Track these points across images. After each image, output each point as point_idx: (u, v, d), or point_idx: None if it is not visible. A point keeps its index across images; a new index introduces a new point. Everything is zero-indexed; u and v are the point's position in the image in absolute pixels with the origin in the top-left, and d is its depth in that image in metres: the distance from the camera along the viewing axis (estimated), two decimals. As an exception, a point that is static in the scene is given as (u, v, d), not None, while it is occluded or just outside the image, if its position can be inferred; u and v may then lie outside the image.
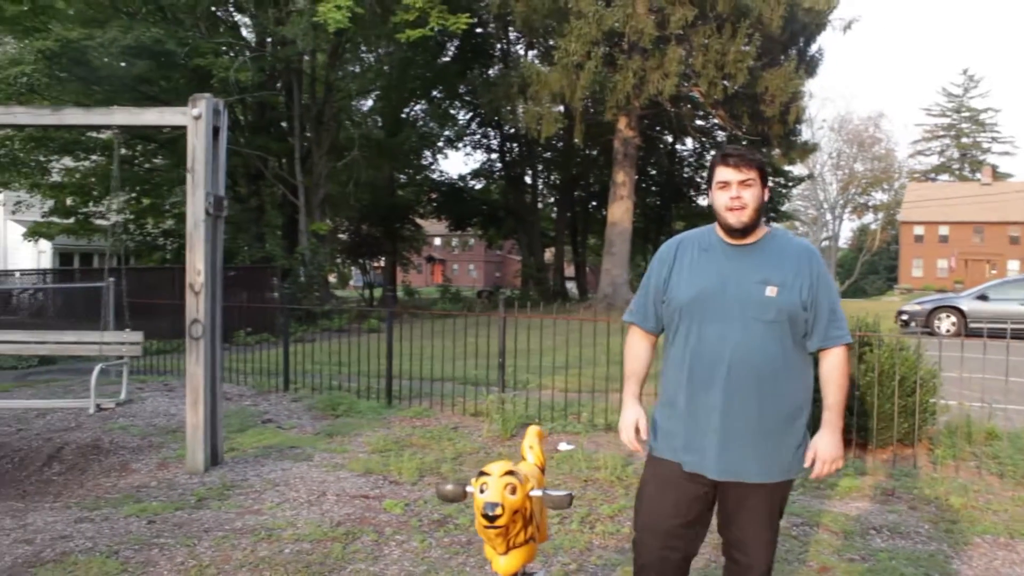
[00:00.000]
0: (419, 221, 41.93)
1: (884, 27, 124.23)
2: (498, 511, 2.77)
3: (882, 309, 22.27)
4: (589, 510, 5.27)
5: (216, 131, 6.39)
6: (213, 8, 24.06)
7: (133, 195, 27.77)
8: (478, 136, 39.58)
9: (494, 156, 40.46)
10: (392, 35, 22.74)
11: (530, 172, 39.27)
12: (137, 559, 4.43)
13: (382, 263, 42.58)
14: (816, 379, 3.01)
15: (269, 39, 24.20)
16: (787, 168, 38.22)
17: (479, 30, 30.56)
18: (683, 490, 2.92)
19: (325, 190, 26.22)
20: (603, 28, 22.75)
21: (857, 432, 6.76)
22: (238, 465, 6.47)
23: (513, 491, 2.84)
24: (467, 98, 35.38)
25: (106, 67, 20.71)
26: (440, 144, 37.74)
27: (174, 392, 9.70)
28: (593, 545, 4.69)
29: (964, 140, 77.97)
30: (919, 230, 62.37)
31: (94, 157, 25.85)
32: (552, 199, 43.00)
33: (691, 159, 39.52)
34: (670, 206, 40.48)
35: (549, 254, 43.77)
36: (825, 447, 2.91)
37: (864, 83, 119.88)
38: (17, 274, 26.24)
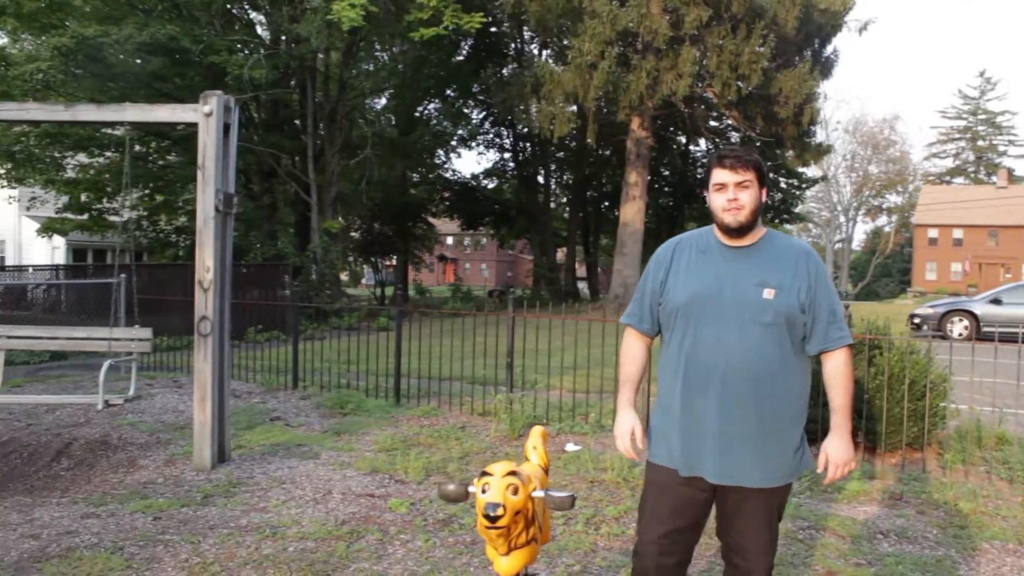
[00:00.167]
0: (431, 220, 41.93)
1: (900, 28, 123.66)
2: (499, 511, 2.76)
3: (894, 312, 22.19)
4: (595, 511, 5.25)
5: (227, 128, 6.40)
6: (228, 6, 24.15)
7: (146, 192, 27.92)
8: (491, 135, 39.60)
9: (507, 155, 40.48)
10: (406, 34, 22.77)
11: (543, 172, 39.23)
12: (142, 555, 4.44)
13: (394, 262, 42.63)
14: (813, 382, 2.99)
15: (283, 37, 24.27)
16: (801, 170, 38.05)
17: (493, 29, 30.55)
18: (680, 495, 2.90)
19: (337, 188, 26.27)
20: (617, 28, 22.69)
21: (866, 436, 6.74)
22: (245, 462, 6.48)
23: (515, 492, 2.83)
24: (481, 97, 35.38)
25: (121, 64, 20.80)
26: (453, 143, 37.76)
27: (183, 389, 9.73)
28: (598, 547, 4.67)
29: (980, 143, 77.54)
30: (933, 233, 62.04)
31: (108, 153, 25.97)
32: (564, 199, 42.97)
33: (704, 160, 39.38)
34: (682, 207, 40.38)
35: (561, 254, 43.75)
36: (837, 451, 2.88)
37: (879, 85, 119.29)
38: (30, 269, 26.35)
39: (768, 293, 2.79)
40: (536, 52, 33.87)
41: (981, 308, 18.27)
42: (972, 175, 77.07)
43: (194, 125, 6.37)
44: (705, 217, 31.57)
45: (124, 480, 6.07)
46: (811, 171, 43.98)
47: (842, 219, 74.43)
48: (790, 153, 29.82)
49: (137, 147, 25.93)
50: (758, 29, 22.40)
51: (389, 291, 37.41)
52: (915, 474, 6.26)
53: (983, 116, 76.85)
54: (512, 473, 2.86)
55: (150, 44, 20.26)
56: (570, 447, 6.95)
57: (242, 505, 5.36)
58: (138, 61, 21.68)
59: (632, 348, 3.12)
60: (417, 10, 20.67)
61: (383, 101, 33.25)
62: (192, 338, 6.38)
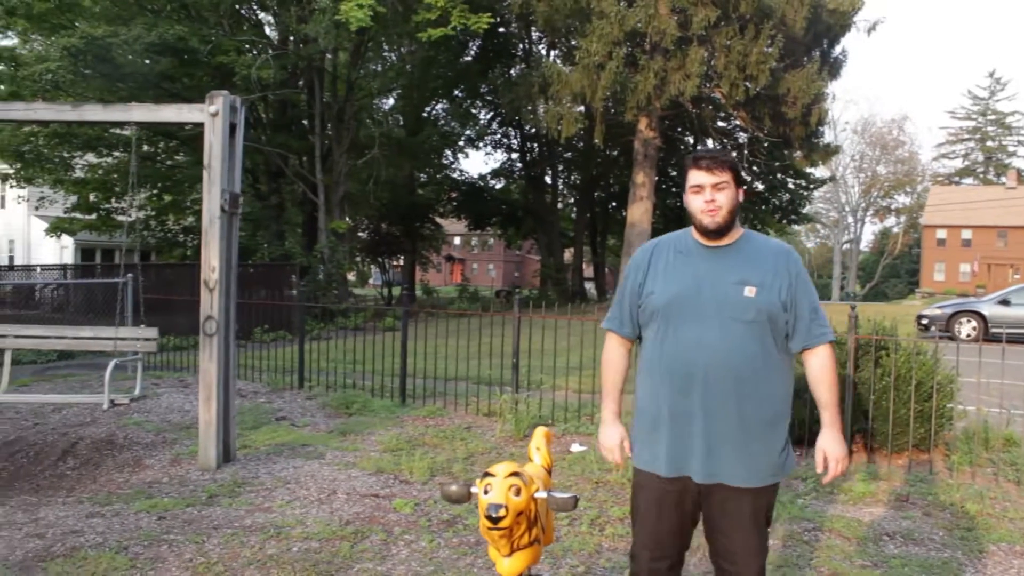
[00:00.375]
0: (439, 220, 41.96)
1: (909, 29, 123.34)
2: (502, 512, 2.75)
3: (902, 313, 22.11)
4: (599, 512, 5.24)
5: (233, 128, 6.41)
6: (236, 6, 24.19)
7: (155, 192, 28.00)
8: (499, 136, 39.58)
9: (514, 156, 40.45)
10: (414, 34, 22.79)
11: (550, 172, 39.19)
12: (146, 555, 4.45)
13: (401, 262, 42.66)
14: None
15: (292, 37, 24.31)
16: (809, 170, 37.94)
17: (501, 30, 30.51)
18: (666, 498, 2.89)
19: (345, 188, 26.29)
20: (625, 28, 22.66)
21: (873, 437, 6.71)
22: (250, 462, 6.48)
23: (517, 492, 2.82)
24: (488, 98, 35.38)
25: (130, 64, 20.88)
26: (461, 143, 37.77)
27: (189, 388, 9.75)
28: (602, 548, 4.66)
29: (989, 143, 77.26)
30: (942, 234, 61.82)
31: (116, 153, 26.09)
32: (572, 199, 42.94)
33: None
34: (689, 208, 40.27)
35: (568, 254, 43.69)
36: (832, 447, 2.86)
37: (888, 85, 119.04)
38: (39, 269, 26.45)
39: (749, 291, 2.78)
40: (544, 52, 33.84)
41: (989, 309, 18.20)
42: (981, 176, 76.80)
43: (200, 125, 6.38)
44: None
45: (129, 479, 6.08)
46: (819, 172, 43.94)
47: (850, 220, 74.22)
48: (798, 154, 29.73)
49: (145, 147, 26.04)
50: (766, 29, 22.34)
51: (396, 291, 37.44)
52: (922, 475, 6.24)
53: (992, 116, 76.58)
54: (515, 474, 2.85)
55: (159, 44, 20.36)
56: (575, 448, 6.94)
57: (247, 505, 5.36)
58: (147, 61, 21.78)
59: (613, 354, 3.12)
60: (425, 10, 20.69)
61: (391, 101, 33.30)
62: (198, 337, 6.38)
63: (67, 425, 7.66)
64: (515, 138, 39.17)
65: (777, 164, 34.73)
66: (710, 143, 35.33)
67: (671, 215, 40.52)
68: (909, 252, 73.88)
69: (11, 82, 21.21)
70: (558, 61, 29.67)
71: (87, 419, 7.92)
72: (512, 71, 33.40)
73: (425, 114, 34.05)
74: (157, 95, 21.53)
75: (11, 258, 38.44)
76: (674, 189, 40.78)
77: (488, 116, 37.77)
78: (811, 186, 41.33)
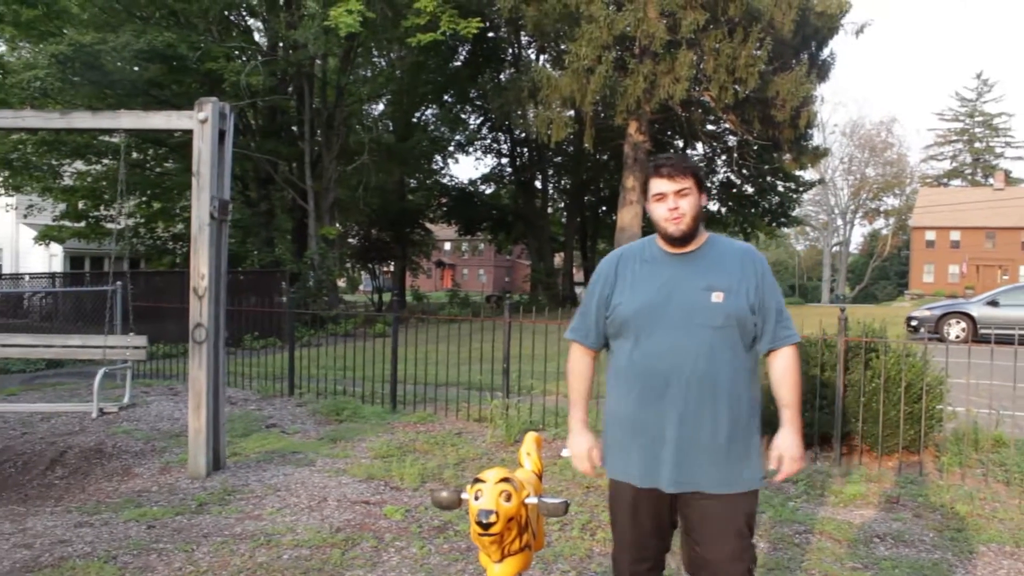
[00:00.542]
0: (429, 226, 41.94)
1: (897, 31, 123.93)
2: (492, 518, 2.75)
3: (891, 315, 22.19)
4: (590, 517, 5.23)
5: (222, 135, 6.39)
6: (225, 12, 24.16)
7: (144, 199, 27.92)
8: (489, 141, 39.66)
9: (504, 161, 40.54)
10: (403, 39, 22.82)
11: (540, 177, 39.25)
12: (135, 564, 4.42)
13: (392, 268, 42.62)
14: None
15: (281, 43, 24.28)
16: (798, 173, 38.06)
17: (490, 34, 30.56)
18: (641, 505, 2.87)
19: (335, 194, 26.28)
20: (614, 32, 22.73)
21: (863, 439, 6.73)
22: (240, 470, 6.46)
23: (508, 498, 2.82)
24: (478, 103, 35.44)
25: (119, 71, 20.83)
26: (451, 149, 37.83)
27: (179, 396, 9.72)
28: (594, 552, 4.65)
29: (977, 145, 77.65)
30: (931, 235, 62.06)
31: (105, 161, 26.01)
32: (562, 204, 42.98)
33: (702, 164, 39.40)
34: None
35: (559, 259, 43.73)
36: (789, 446, 2.85)
37: (876, 88, 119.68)
38: (27, 277, 26.35)
39: (716, 296, 2.77)
40: (533, 57, 33.92)
41: (978, 310, 18.27)
42: (969, 177, 77.16)
43: (190, 132, 6.36)
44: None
45: (118, 488, 6.05)
46: (808, 174, 44.04)
47: (839, 222, 74.48)
48: (787, 156, 29.84)
49: (135, 154, 25.98)
50: (755, 32, 22.44)
51: (387, 297, 37.41)
52: (912, 477, 6.25)
53: (980, 118, 76.99)
54: (505, 480, 2.85)
55: (147, 51, 20.31)
56: (565, 452, 6.92)
57: (237, 513, 5.34)
58: (135, 68, 21.73)
59: (579, 364, 3.10)
60: (414, 16, 20.71)
61: (380, 107, 33.34)
62: (188, 345, 6.37)
63: (56, 434, 7.62)
64: (505, 143, 39.24)
65: (766, 167, 34.84)
66: (700, 147, 35.46)
67: (661, 219, 40.56)
68: (898, 254, 74.19)
69: (-1, 89, 21.14)
70: (547, 65, 29.73)
71: (76, 428, 7.89)
72: (502, 76, 33.44)
73: (415, 119, 34.07)
74: (146, 102, 21.52)
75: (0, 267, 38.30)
76: (664, 193, 40.83)
77: (478, 121, 37.85)
78: (800, 189, 41.45)
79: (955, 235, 61.05)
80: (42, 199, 28.51)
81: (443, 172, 39.81)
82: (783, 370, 2.88)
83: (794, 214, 43.24)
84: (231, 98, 20.11)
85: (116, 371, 7.24)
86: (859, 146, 72.13)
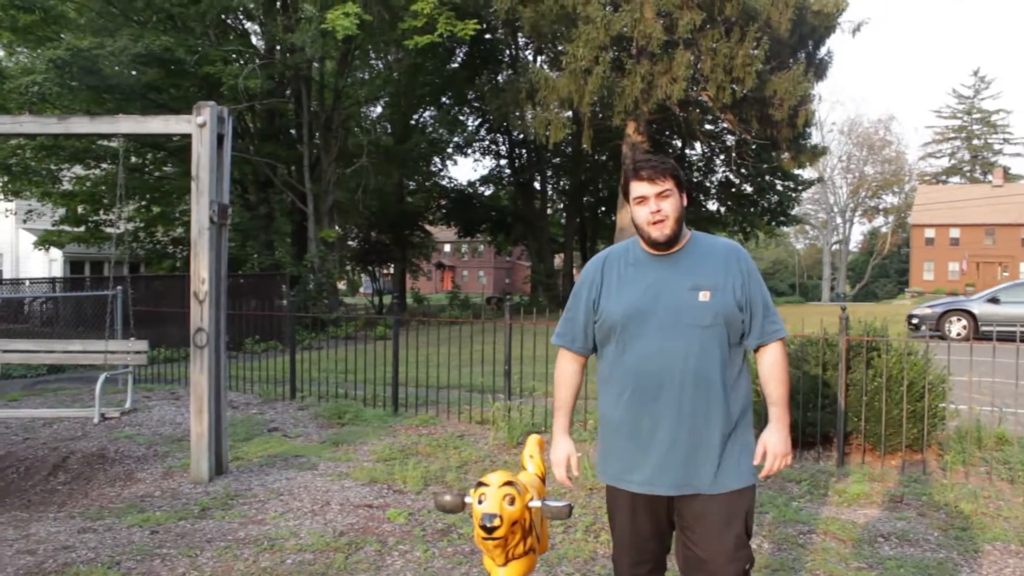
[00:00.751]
0: (428, 228, 41.91)
1: (894, 29, 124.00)
2: (496, 522, 2.74)
3: (892, 313, 22.18)
4: (594, 519, 5.22)
5: (220, 139, 6.39)
6: (223, 16, 24.16)
7: (143, 203, 27.90)
8: (487, 142, 39.64)
9: (503, 162, 40.53)
10: (401, 41, 22.84)
11: (539, 178, 39.26)
12: (139, 570, 4.41)
13: (391, 270, 42.59)
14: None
15: (278, 46, 24.31)
16: (796, 172, 38.04)
17: (487, 36, 30.56)
18: (639, 509, 2.85)
19: (334, 197, 26.28)
20: (611, 33, 22.73)
21: (865, 438, 6.72)
22: (243, 474, 6.45)
23: (511, 502, 2.81)
24: (476, 104, 35.43)
25: (116, 75, 20.83)
26: (449, 150, 37.80)
27: (180, 401, 9.71)
28: (597, 554, 4.65)
29: (975, 142, 77.69)
30: (930, 233, 62.11)
31: (104, 165, 26.01)
32: (561, 205, 42.99)
33: (700, 164, 39.42)
34: (679, 210, 40.32)
35: (559, 260, 43.72)
36: (775, 442, 2.83)
37: (874, 86, 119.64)
38: (27, 282, 26.33)
39: (704, 295, 2.76)
40: (531, 58, 33.92)
41: (979, 307, 18.26)
42: (968, 174, 77.20)
43: (188, 136, 6.36)
44: (699, 220, 31.52)
45: (121, 494, 6.04)
46: (807, 173, 44.00)
47: (839, 220, 74.46)
48: (785, 155, 29.84)
49: (134, 158, 25.97)
50: (752, 32, 22.44)
51: (387, 300, 37.40)
52: (915, 476, 6.24)
53: (978, 115, 77.02)
54: (508, 483, 2.84)
55: (145, 55, 20.30)
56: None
57: (240, 517, 5.33)
58: (133, 73, 21.72)
59: (566, 370, 3.08)
60: (411, 18, 20.73)
61: (378, 109, 33.33)
62: (189, 350, 6.36)
63: (58, 439, 7.61)
64: (503, 144, 39.24)
65: (765, 166, 34.82)
66: (699, 147, 35.49)
67: (660, 219, 40.54)
68: (898, 252, 74.20)
69: (-2, 95, 21.13)
70: (545, 67, 29.77)
71: (78, 433, 7.88)
72: (499, 77, 33.44)
73: (413, 122, 34.06)
74: (144, 106, 21.49)
75: (-1, 272, 38.28)
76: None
77: (476, 123, 37.85)
78: (799, 188, 41.44)
79: (955, 232, 61.11)
80: (41, 204, 28.49)
81: (442, 174, 39.85)
82: (771, 365, 2.87)
83: (793, 213, 43.25)
84: (229, 101, 20.13)
85: (117, 376, 7.23)
86: (857, 144, 72.18)
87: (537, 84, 24.62)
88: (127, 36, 20.61)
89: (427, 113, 35.19)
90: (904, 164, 75.12)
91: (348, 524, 5.19)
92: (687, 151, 38.84)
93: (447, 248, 75.47)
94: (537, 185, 39.35)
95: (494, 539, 2.78)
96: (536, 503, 2.91)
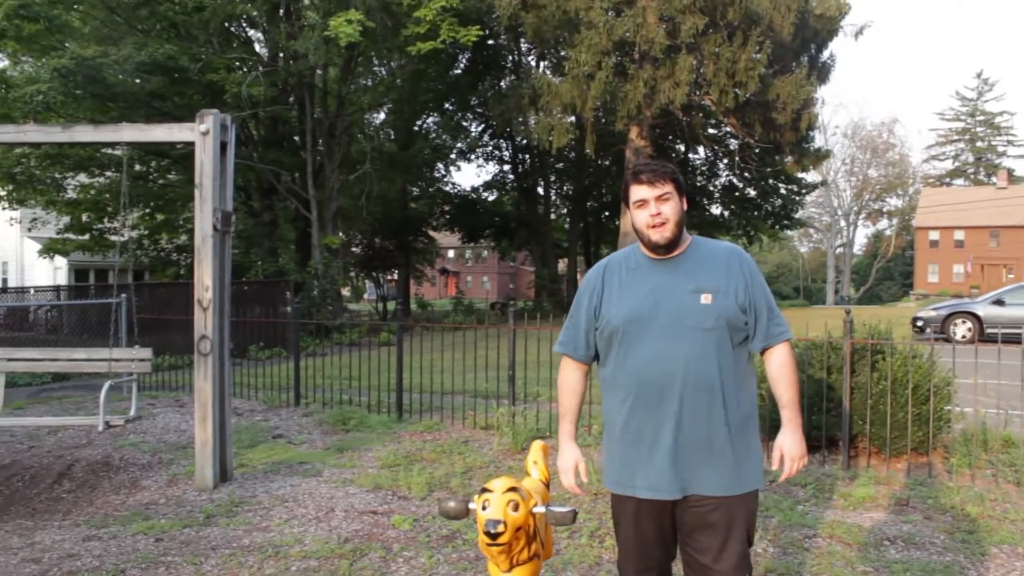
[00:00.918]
0: (432, 234, 41.96)
1: (896, 32, 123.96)
2: (500, 528, 2.74)
3: (897, 315, 22.14)
4: (599, 524, 5.21)
5: (224, 146, 6.40)
6: (226, 24, 24.20)
7: (147, 211, 27.95)
8: (490, 148, 39.67)
9: (506, 168, 40.56)
10: (404, 48, 22.86)
11: (542, 183, 39.26)
12: (144, 577, 4.42)
13: (395, 276, 42.63)
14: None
15: (281, 54, 24.33)
16: (800, 175, 38.02)
17: (490, 42, 30.60)
18: (643, 516, 2.84)
19: (338, 204, 26.29)
20: (613, 38, 22.73)
21: (871, 441, 6.71)
22: (247, 481, 6.45)
23: (516, 508, 2.81)
24: (479, 110, 35.45)
25: (120, 84, 20.87)
26: (453, 156, 37.85)
27: (185, 408, 9.72)
28: (603, 560, 4.63)
29: (979, 144, 77.53)
30: (934, 235, 61.99)
31: (108, 173, 26.04)
32: (565, 210, 43.00)
33: (704, 168, 39.43)
34: (682, 215, 40.32)
35: (562, 265, 43.72)
36: (791, 445, 2.83)
37: (877, 89, 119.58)
38: (32, 291, 26.38)
39: (705, 298, 2.75)
40: (533, 64, 33.93)
41: (984, 309, 18.24)
42: (972, 176, 77.04)
43: (192, 144, 6.37)
44: (702, 224, 31.46)
45: (126, 501, 6.05)
46: (810, 176, 44.00)
47: (843, 223, 74.42)
48: (789, 159, 29.81)
49: (138, 166, 26.01)
50: (754, 36, 22.43)
51: (391, 306, 37.42)
52: (921, 479, 6.23)
53: (981, 117, 76.89)
54: (512, 489, 2.84)
55: (149, 64, 20.35)
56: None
57: (244, 525, 5.33)
58: (137, 81, 21.76)
59: (570, 377, 3.07)
60: (414, 24, 20.75)
61: (382, 116, 33.37)
62: (193, 357, 6.37)
63: (63, 447, 7.62)
64: (507, 150, 39.28)
65: (769, 170, 34.79)
66: (702, 151, 35.48)
67: (664, 223, 40.50)
68: (902, 254, 74.06)
69: (2, 104, 21.14)
70: (548, 72, 29.76)
71: (83, 441, 7.89)
72: (502, 83, 33.47)
73: (416, 128, 34.11)
74: (148, 114, 21.55)
75: (4, 280, 38.39)
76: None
77: (479, 128, 37.88)
78: (803, 191, 41.42)
79: (959, 235, 60.97)
80: (46, 212, 28.54)
81: (445, 180, 39.86)
82: (779, 367, 2.86)
83: (797, 216, 43.22)
84: (233, 109, 20.19)
85: (122, 384, 7.25)
86: (861, 147, 72.17)
87: (540, 89, 24.63)
88: (131, 44, 20.66)
89: (430, 119, 35.25)
90: (908, 167, 75.13)
91: (353, 531, 5.19)
92: (690, 155, 38.86)
93: (451, 254, 75.50)
94: (540, 190, 39.36)
95: (498, 545, 2.78)
96: (540, 509, 2.91)
